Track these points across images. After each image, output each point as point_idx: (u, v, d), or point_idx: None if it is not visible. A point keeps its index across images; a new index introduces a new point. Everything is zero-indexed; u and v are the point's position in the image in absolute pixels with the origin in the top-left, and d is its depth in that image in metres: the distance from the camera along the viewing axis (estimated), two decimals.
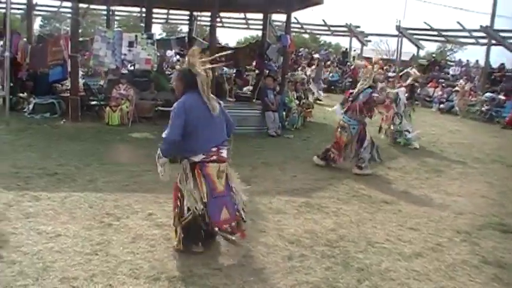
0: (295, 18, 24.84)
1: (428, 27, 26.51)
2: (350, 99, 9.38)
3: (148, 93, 13.94)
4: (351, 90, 10.01)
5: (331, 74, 27.82)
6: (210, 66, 5.10)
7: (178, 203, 5.15)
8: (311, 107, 15.24)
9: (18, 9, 25.46)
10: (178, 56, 23.89)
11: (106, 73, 15.55)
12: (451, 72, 28.34)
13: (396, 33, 27.43)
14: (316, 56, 31.05)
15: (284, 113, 13.79)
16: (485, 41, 25.00)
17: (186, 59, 5.12)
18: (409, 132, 12.35)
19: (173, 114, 4.92)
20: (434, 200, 7.87)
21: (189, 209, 5.01)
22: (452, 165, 10.51)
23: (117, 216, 6.00)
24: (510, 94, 20.98)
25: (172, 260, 4.94)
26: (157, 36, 16.44)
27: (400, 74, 10.26)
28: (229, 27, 29.91)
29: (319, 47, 47.50)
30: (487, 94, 21.66)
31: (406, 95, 12.64)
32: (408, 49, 33.79)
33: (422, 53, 32.88)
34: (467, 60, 29.74)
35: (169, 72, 19.63)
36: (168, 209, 6.13)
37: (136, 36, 13.20)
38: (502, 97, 20.95)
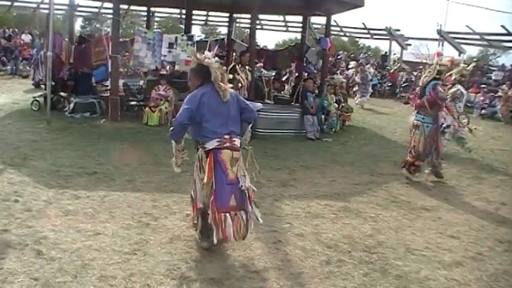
0: (335, 21, 24.63)
1: (471, 31, 26.03)
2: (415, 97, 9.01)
3: (187, 95, 13.98)
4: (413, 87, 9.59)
5: (370, 78, 27.55)
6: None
7: (193, 194, 5.33)
8: (350, 111, 15.12)
9: (61, 10, 25.97)
10: (217, 58, 24.02)
11: (145, 74, 15.71)
12: (493, 77, 27.78)
13: (437, 37, 27.03)
14: (360, 60, 30.75)
15: (323, 116, 13.70)
16: None
17: (193, 57, 5.33)
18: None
19: (185, 101, 5.19)
20: (476, 207, 7.70)
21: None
22: (494, 173, 10.27)
23: (155, 216, 6.04)
24: None
25: (210, 261, 4.94)
26: (196, 38, 16.51)
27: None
28: (268, 29, 29.89)
29: (358, 50, 47.21)
30: None
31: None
32: (449, 53, 33.30)
33: (463, 57, 32.36)
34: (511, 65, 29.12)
35: None
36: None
37: (176, 37, 13.30)
38: None
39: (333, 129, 13.77)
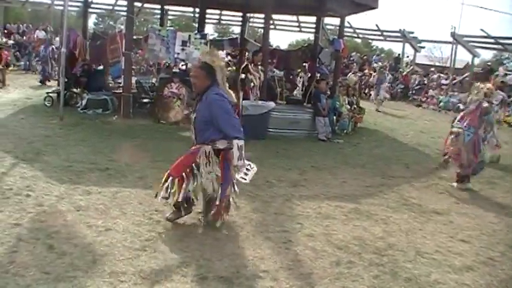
0: (348, 22, 24.50)
1: (485, 35, 25.85)
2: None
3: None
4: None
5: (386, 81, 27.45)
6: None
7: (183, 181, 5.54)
8: (362, 112, 15.07)
9: (75, 6, 26.07)
10: (229, 57, 24.05)
11: (158, 71, 15.75)
12: (509, 82, 27.56)
13: (451, 40, 26.91)
14: (376, 64, 30.58)
15: (334, 117, 13.67)
16: None
17: (202, 56, 5.64)
18: None
19: (223, 105, 5.39)
20: (487, 212, 7.64)
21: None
22: (507, 178, 10.21)
23: (166, 214, 6.05)
24: None
25: (220, 259, 4.94)
26: (209, 37, 16.56)
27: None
28: (281, 29, 29.81)
29: (371, 52, 47.09)
30: None
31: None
32: (462, 56, 33.16)
33: (477, 61, 32.15)
34: None
35: None
36: None
37: (189, 35, 13.33)
38: None
39: (345, 131, 13.74)
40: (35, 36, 27.02)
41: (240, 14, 20.38)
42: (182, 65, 15.17)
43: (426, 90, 26.48)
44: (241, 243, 5.39)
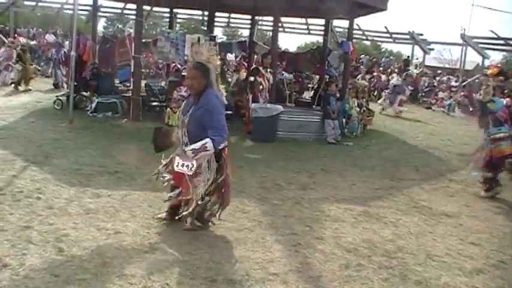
0: (357, 24, 24.50)
1: (495, 36, 25.74)
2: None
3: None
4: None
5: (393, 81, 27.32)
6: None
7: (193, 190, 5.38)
8: (371, 115, 15.03)
9: (84, 10, 26.20)
10: (238, 59, 24.10)
11: (167, 74, 15.77)
12: None
13: (460, 41, 26.80)
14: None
15: (344, 120, 13.64)
16: None
17: (195, 55, 5.34)
18: None
19: (218, 108, 5.25)
20: (498, 214, 7.61)
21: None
22: None
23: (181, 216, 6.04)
24: None
25: (229, 262, 4.94)
26: (218, 39, 16.57)
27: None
28: (290, 32, 29.84)
29: (380, 54, 46.98)
30: None
31: None
32: (472, 58, 33.00)
33: (487, 62, 32.01)
34: None
35: (229, 76, 19.81)
36: (225, 211, 6.16)
37: (199, 37, 13.34)
38: None
39: (354, 133, 13.71)
40: (45, 40, 27.17)
41: (249, 16, 20.40)
42: None
43: (436, 93, 26.36)
44: (250, 246, 5.38)
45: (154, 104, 13.82)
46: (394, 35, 30.33)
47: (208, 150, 5.11)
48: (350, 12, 14.37)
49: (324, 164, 10.00)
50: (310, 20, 26.04)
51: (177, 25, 30.06)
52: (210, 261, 4.91)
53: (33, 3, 27.28)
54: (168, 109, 12.78)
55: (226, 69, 21.38)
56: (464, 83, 27.13)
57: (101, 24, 44.96)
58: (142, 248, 5.07)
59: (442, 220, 7.02)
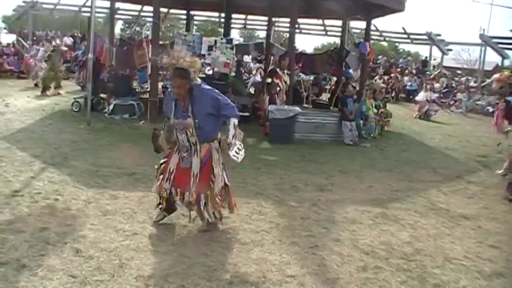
0: (374, 25, 24.37)
1: None
2: None
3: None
4: None
5: (409, 83, 27.22)
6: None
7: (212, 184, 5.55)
8: (389, 116, 14.93)
9: (101, 13, 26.36)
10: (255, 61, 24.10)
11: None
12: None
13: (479, 41, 26.58)
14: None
15: (361, 121, 13.58)
16: None
17: (175, 61, 5.30)
18: None
19: (218, 93, 5.47)
20: None
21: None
22: None
23: (192, 218, 6.03)
24: None
25: (246, 264, 4.93)
26: (235, 42, 16.62)
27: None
28: (307, 33, 29.78)
29: (398, 55, 46.76)
30: None
31: None
32: (491, 58, 32.72)
33: (506, 62, 31.69)
34: None
35: (245, 78, 19.83)
36: (242, 213, 6.16)
37: (215, 40, 13.40)
38: None
39: (372, 135, 13.63)
40: (63, 42, 27.36)
41: (266, 18, 20.39)
42: (208, 70, 15.22)
43: (454, 94, 26.17)
44: (267, 248, 5.37)
45: None
46: (411, 36, 30.15)
47: (237, 125, 5.45)
48: (367, 13, 14.34)
49: (341, 165, 9.95)
50: (327, 21, 25.97)
51: (194, 27, 30.19)
52: (226, 263, 4.91)
53: (52, 7, 27.48)
54: None
55: (243, 71, 21.41)
56: (484, 84, 26.89)
57: (119, 27, 45.17)
58: (160, 250, 5.08)
59: (461, 222, 6.94)
